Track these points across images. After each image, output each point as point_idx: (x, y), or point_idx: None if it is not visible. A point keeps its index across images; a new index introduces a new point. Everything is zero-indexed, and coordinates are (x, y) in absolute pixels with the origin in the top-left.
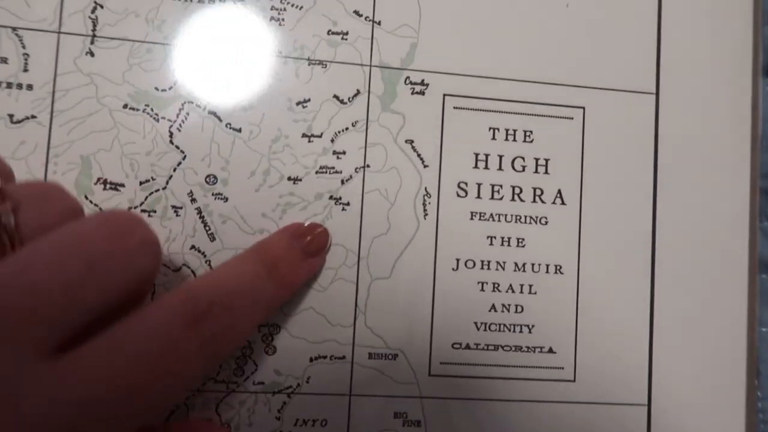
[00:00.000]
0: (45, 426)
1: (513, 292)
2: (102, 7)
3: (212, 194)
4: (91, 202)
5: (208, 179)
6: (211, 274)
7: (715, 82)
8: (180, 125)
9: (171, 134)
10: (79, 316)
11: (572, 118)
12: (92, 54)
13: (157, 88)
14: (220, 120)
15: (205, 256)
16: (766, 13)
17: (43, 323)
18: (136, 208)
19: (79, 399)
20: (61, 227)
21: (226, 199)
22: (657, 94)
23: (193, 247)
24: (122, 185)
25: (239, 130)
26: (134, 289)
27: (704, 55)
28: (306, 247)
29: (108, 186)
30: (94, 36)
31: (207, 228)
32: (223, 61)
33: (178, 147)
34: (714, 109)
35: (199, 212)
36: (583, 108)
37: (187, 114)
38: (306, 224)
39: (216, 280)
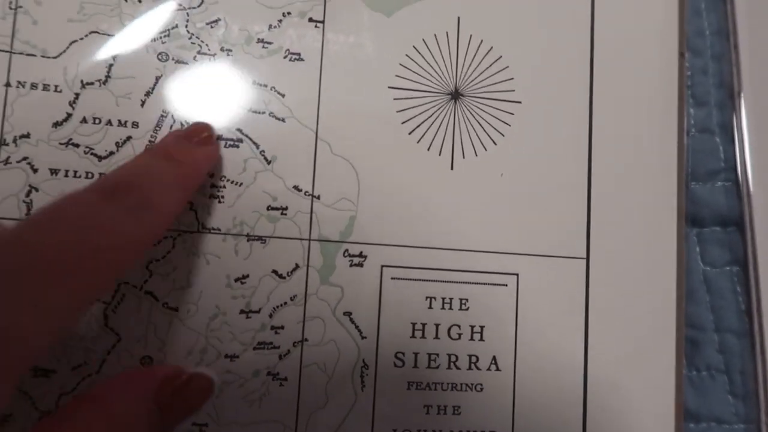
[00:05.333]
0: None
1: None
2: (37, 190)
3: None
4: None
5: (143, 360)
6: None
7: (641, 240)
8: (115, 307)
9: (106, 317)
10: None
11: (506, 285)
12: None
13: None
14: (157, 299)
15: None
16: (691, 174)
17: None
18: (67, 394)
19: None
20: None
21: None
22: (587, 258)
23: None
24: (53, 371)
25: (176, 309)
26: None
27: (632, 218)
28: (197, 143)
29: (38, 372)
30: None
31: None
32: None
33: (112, 329)
34: (642, 267)
35: None
36: (517, 275)
37: (123, 295)
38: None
39: (116, 171)
